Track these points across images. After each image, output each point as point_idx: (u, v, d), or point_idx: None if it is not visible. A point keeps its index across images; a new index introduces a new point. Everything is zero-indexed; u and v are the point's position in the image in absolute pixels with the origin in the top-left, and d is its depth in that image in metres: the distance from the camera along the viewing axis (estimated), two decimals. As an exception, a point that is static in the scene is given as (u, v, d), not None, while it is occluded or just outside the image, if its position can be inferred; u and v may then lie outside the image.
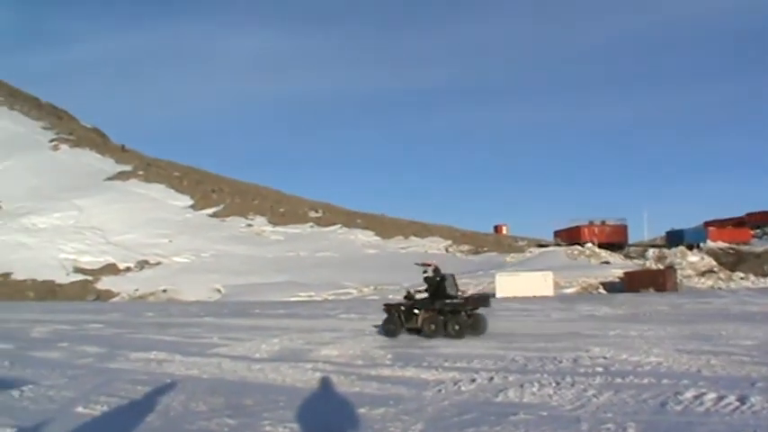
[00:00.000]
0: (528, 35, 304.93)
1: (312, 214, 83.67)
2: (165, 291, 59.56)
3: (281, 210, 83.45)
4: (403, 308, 18.71)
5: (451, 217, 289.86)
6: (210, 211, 79.61)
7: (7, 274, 68.97)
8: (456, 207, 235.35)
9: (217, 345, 17.40)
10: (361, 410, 8.42)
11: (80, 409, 8.82)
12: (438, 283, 18.45)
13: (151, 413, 8.50)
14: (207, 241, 69.64)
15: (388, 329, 18.52)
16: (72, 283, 65.66)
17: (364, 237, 77.48)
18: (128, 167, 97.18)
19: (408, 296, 19.10)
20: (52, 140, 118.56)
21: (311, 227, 80.00)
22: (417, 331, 18.14)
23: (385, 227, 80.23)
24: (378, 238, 77.28)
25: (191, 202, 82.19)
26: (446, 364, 12.33)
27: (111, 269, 67.06)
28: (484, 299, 19.28)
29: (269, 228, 76.15)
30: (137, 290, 61.22)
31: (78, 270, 67.66)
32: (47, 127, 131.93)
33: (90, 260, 69.08)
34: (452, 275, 19.24)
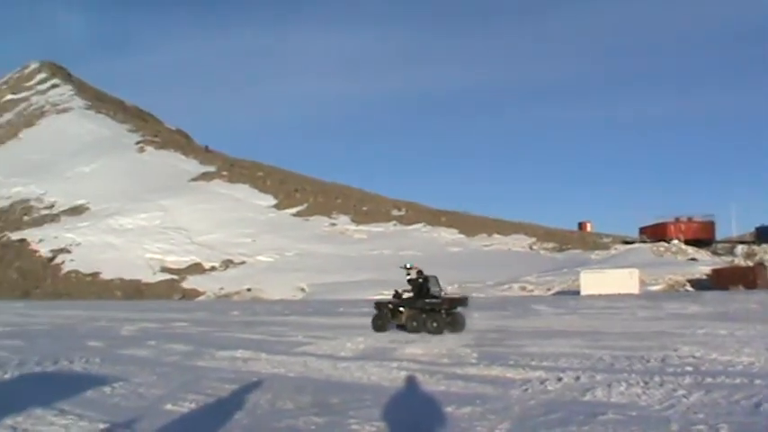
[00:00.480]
0: (616, 29, 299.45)
1: (395, 213, 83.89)
2: (249, 289, 60.83)
3: (365, 208, 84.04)
4: (390, 306, 20.88)
5: (535, 214, 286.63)
6: (294, 210, 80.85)
7: (96, 274, 71.89)
8: (540, 204, 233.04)
9: (302, 343, 17.52)
10: (448, 409, 8.37)
11: (169, 407, 8.98)
12: (421, 285, 20.41)
13: (239, 411, 8.57)
14: (290, 240, 70.77)
15: (377, 325, 20.53)
16: (158, 282, 68.01)
17: (448, 235, 77.22)
18: (212, 168, 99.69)
19: (396, 295, 21.10)
20: (138, 143, 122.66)
21: (394, 225, 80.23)
22: (403, 327, 20.14)
23: (468, 225, 79.78)
24: (461, 235, 76.90)
25: (274, 202, 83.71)
26: (532, 363, 12.27)
27: (196, 268, 69.06)
28: (461, 300, 21.09)
29: (352, 226, 76.79)
30: (221, 289, 62.79)
31: (164, 269, 69.97)
32: (132, 129, 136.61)
33: (175, 260, 71.33)
34: (435, 277, 21.10)
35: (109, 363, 13.98)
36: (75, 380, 11.62)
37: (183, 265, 70.21)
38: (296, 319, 29.26)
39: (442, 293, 20.74)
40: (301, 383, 10.75)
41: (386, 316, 20.62)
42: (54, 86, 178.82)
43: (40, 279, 75.14)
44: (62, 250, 79.19)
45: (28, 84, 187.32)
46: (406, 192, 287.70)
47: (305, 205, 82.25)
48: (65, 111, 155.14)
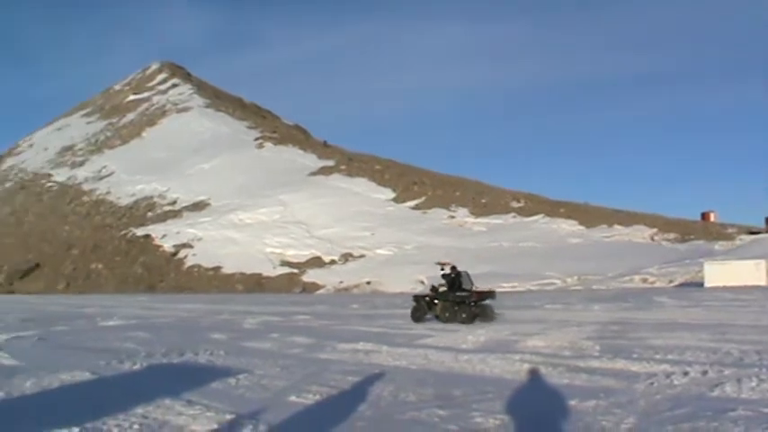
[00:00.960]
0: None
1: (514, 204, 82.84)
2: (368, 283, 61.53)
3: (483, 201, 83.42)
4: (427, 299, 23.39)
5: (657, 204, 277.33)
6: (412, 203, 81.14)
7: (218, 268, 74.55)
8: (662, 194, 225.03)
9: (423, 336, 17.57)
10: (572, 402, 8.32)
11: (293, 398, 9.13)
12: (453, 280, 22.92)
13: (362, 403, 8.66)
14: (409, 233, 71.10)
15: (416, 316, 23.14)
16: (279, 275, 69.80)
17: (567, 226, 75.58)
18: (330, 162, 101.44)
19: (433, 289, 23.46)
20: (257, 139, 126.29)
21: (513, 217, 79.26)
22: (437, 317, 22.64)
23: (588, 216, 77.84)
24: (581, 227, 75.09)
25: (393, 195, 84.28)
26: (657, 357, 12.06)
27: (315, 262, 70.44)
28: (489, 293, 23.09)
29: (471, 219, 76.33)
30: (341, 282, 63.80)
31: (284, 263, 71.72)
32: (251, 126, 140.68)
33: (295, 253, 72.97)
34: (467, 272, 23.69)
35: (233, 355, 14.29)
36: (201, 371, 11.94)
37: (303, 259, 71.77)
38: (416, 312, 29.46)
39: (473, 288, 23.04)
40: (423, 376, 10.80)
41: (423, 308, 23.19)
42: (174, 86, 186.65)
43: (164, 273, 78.76)
44: (184, 245, 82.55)
45: (149, 84, 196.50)
46: (524, 183, 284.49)
47: (423, 198, 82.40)
48: (185, 110, 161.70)
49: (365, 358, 13.34)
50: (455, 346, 14.70)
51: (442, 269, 23.88)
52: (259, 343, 17.09)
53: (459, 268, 23.73)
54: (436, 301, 22.82)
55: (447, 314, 22.18)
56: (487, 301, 22.63)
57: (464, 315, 21.75)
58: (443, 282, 23.05)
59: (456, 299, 22.39)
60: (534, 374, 10.58)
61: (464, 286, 22.78)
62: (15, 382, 10.62)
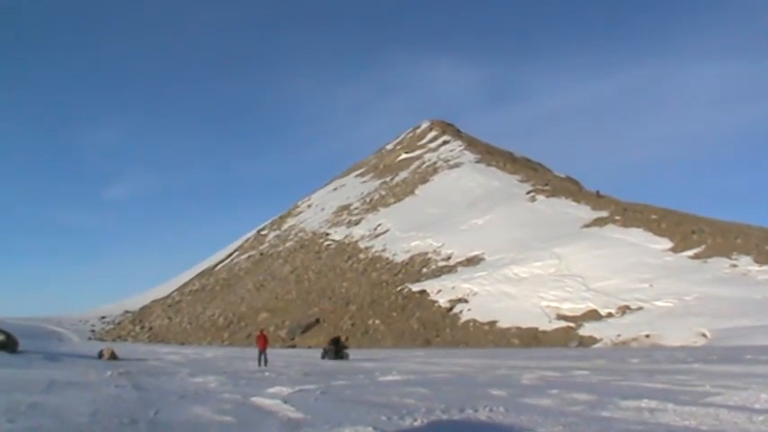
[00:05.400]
0: None
1: (804, 251, 79.50)
2: (647, 336, 63.06)
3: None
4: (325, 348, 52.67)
5: None
6: (691, 252, 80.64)
7: (493, 322, 79.23)
8: None
9: (710, 393, 17.43)
10: None
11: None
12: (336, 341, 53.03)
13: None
14: (689, 284, 71.04)
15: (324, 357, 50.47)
16: (555, 329, 73.15)
17: None
18: (604, 213, 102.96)
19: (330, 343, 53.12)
20: (529, 192, 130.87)
21: (803, 265, 76.12)
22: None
23: None
24: None
25: (670, 245, 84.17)
26: None
27: (592, 315, 72.88)
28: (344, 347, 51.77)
29: (755, 267, 74.37)
30: (618, 335, 66.00)
31: (560, 317, 74.77)
32: (523, 179, 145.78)
33: (571, 307, 75.83)
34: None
35: (513, 412, 14.51)
36: (482, 428, 12.61)
37: (579, 312, 74.41)
38: (700, 367, 29.09)
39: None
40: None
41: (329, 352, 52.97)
42: (445, 143, 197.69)
43: (440, 328, 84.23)
44: (459, 300, 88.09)
45: (420, 142, 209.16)
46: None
47: (702, 247, 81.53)
48: (456, 165, 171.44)
49: (650, 417, 13.32)
50: (747, 406, 14.52)
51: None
52: (538, 399, 17.30)
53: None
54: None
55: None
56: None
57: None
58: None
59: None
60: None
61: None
62: (302, 435, 11.89)
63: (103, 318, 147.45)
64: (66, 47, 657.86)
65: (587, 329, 70.09)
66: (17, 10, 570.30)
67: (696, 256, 79.17)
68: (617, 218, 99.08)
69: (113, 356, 46.00)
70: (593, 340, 67.19)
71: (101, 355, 46.63)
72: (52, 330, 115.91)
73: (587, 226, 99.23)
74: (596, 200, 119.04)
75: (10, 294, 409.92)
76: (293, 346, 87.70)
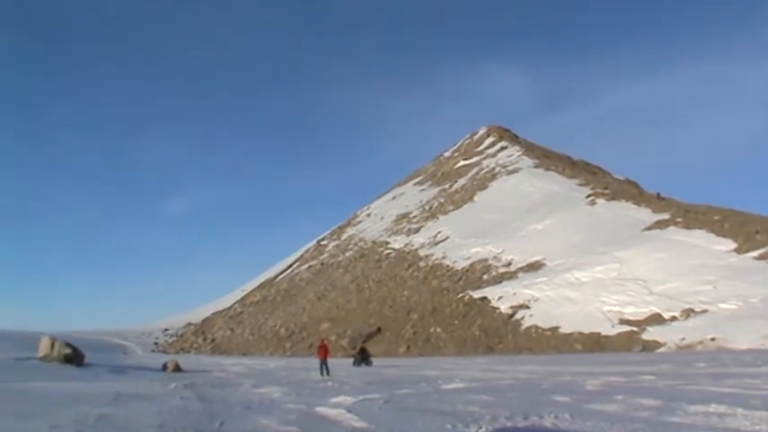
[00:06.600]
0: None
1: None
2: (713, 339, 62.01)
3: (833, 247, 78.98)
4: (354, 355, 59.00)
5: None
6: (756, 253, 78.93)
7: (555, 328, 78.89)
8: None
9: None
10: None
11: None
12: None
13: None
14: (754, 285, 69.64)
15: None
16: (617, 334, 72.43)
17: None
18: (665, 216, 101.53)
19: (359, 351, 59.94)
20: (588, 196, 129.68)
21: None
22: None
23: None
24: None
25: (734, 246, 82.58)
26: None
27: (655, 319, 72.00)
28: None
29: (818, 267, 72.65)
30: (683, 339, 65.02)
31: (623, 321, 74.00)
32: (582, 183, 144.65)
33: (634, 311, 75.01)
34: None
35: (578, 418, 14.74)
36: None
37: (642, 317, 73.45)
38: (770, 370, 28.37)
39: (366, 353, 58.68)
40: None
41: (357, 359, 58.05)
42: (502, 149, 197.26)
43: (502, 335, 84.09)
44: (521, 306, 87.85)
45: (478, 149, 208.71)
46: None
47: (767, 247, 79.98)
48: (514, 171, 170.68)
49: (719, 422, 13.32)
50: (822, 408, 14.12)
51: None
52: (604, 405, 17.44)
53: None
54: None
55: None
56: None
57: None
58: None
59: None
60: None
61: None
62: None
63: (166, 330, 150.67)
64: (127, 67, 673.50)
65: (651, 333, 69.20)
66: (82, 33, 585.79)
67: (761, 257, 77.53)
68: (679, 220, 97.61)
69: (177, 368, 47.20)
70: (657, 344, 66.36)
71: (165, 368, 47.88)
72: (117, 343, 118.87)
73: (648, 229, 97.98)
74: (657, 202, 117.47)
75: (76, 309, 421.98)
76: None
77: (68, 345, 42.10)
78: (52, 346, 41.24)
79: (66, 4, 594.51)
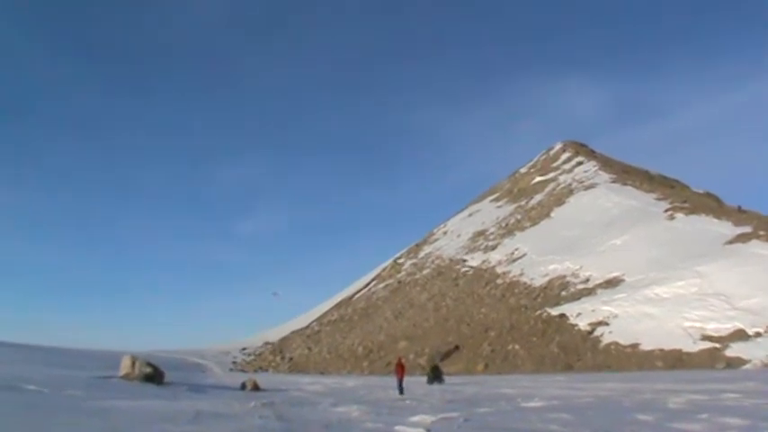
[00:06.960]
0: None
1: None
2: (798, 356, 60.45)
3: None
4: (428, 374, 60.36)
5: None
6: None
7: (635, 345, 77.96)
8: None
9: None
10: None
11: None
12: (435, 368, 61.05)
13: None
14: None
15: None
16: (699, 351, 71.17)
17: None
18: (747, 229, 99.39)
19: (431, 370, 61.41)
20: (667, 210, 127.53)
21: None
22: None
23: None
24: None
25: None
26: None
27: (739, 335, 70.60)
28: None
29: None
30: (769, 356, 63.26)
31: (705, 338, 72.72)
32: (660, 197, 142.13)
33: (716, 327, 73.65)
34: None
35: None
36: None
37: (725, 333, 72.09)
38: None
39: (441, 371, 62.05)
40: None
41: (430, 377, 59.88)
42: (579, 164, 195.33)
43: (581, 352, 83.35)
44: (600, 323, 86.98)
45: (554, 164, 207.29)
46: None
47: None
48: (591, 186, 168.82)
49: None
50: None
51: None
52: (688, 424, 17.26)
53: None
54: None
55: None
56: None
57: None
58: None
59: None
60: None
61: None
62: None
63: (244, 349, 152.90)
64: (202, 90, 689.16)
65: (734, 350, 67.94)
66: (158, 61, 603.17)
67: None
68: (761, 233, 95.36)
69: (256, 387, 48.27)
70: (742, 361, 65.12)
71: (244, 386, 49.05)
72: (196, 362, 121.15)
73: (730, 242, 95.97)
74: (738, 215, 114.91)
75: (156, 328, 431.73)
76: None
77: (149, 364, 43.34)
78: (133, 364, 42.42)
79: (151, 25, 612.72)
